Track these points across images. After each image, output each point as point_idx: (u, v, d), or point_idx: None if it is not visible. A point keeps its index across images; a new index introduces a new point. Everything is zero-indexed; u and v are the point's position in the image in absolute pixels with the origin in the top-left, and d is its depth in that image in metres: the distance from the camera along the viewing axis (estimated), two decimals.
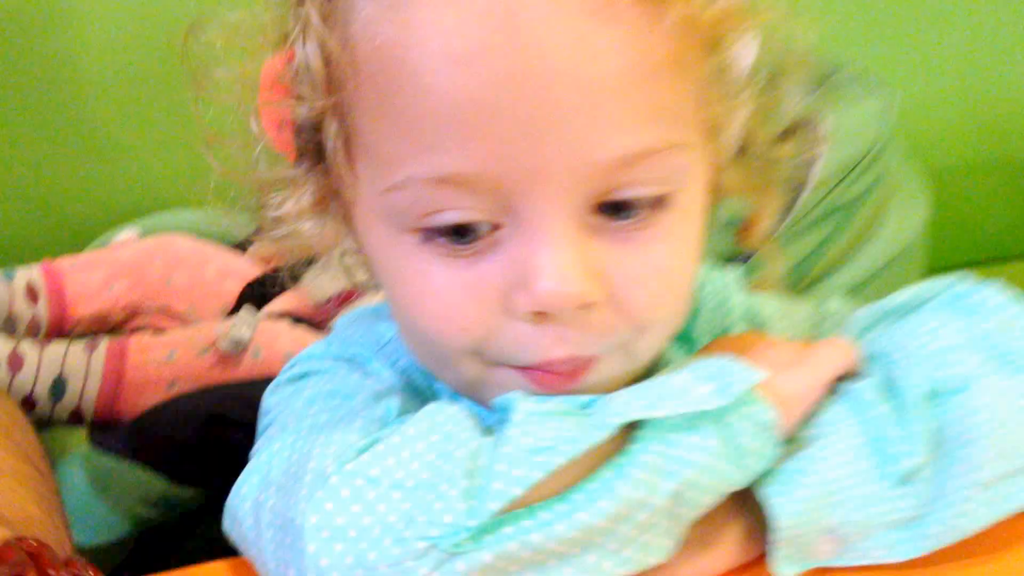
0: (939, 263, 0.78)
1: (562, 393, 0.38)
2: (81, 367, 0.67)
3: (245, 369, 0.69)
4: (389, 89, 0.36)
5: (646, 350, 0.40)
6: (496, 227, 0.36)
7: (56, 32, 0.95)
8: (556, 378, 0.38)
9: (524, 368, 0.38)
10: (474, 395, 0.41)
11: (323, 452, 0.37)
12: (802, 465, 0.40)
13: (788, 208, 0.72)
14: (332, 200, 0.41)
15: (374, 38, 0.36)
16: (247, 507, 0.38)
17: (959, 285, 0.46)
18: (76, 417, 0.68)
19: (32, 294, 0.79)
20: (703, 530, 0.39)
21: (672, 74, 0.36)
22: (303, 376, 0.44)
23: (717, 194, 0.41)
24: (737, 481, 0.38)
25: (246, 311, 0.73)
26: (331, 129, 0.39)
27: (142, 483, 0.62)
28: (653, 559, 0.36)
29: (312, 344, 0.46)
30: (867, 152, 0.73)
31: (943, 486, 0.40)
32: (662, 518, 0.36)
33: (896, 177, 0.82)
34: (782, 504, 0.39)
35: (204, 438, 0.61)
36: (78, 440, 0.70)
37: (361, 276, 0.47)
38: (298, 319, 0.78)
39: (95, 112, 0.97)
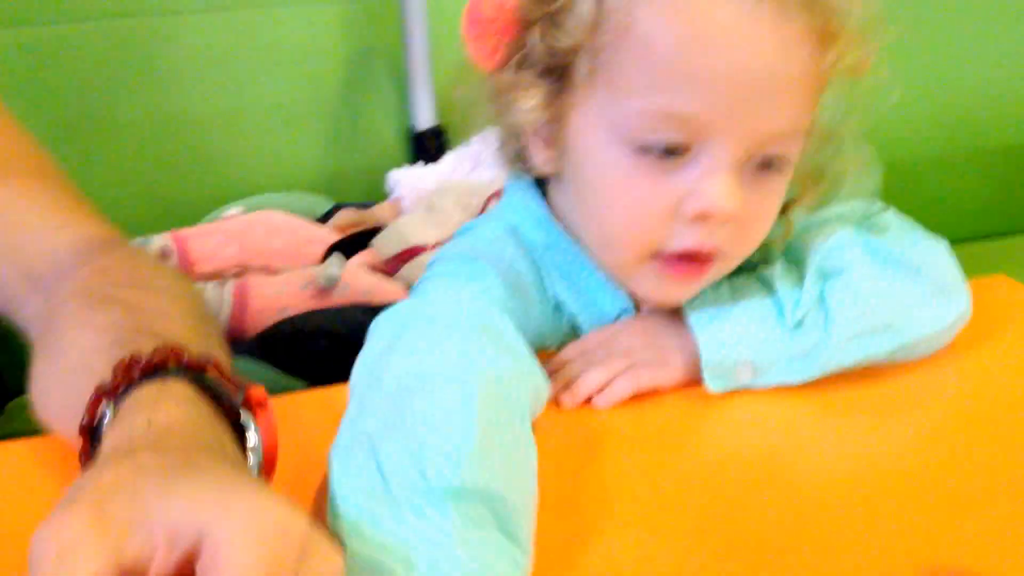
0: None
1: (688, 283, 0.56)
2: (216, 297, 0.87)
3: (335, 299, 0.88)
4: (646, 48, 0.50)
5: (731, 266, 0.58)
6: (685, 151, 0.51)
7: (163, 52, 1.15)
8: (688, 267, 0.54)
9: (669, 257, 0.54)
10: (624, 279, 0.58)
11: None
12: (724, 317, 0.57)
13: None
14: (554, 103, 0.55)
15: (638, 7, 0.50)
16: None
17: (870, 208, 0.63)
18: None
19: (165, 256, 0.96)
20: (660, 355, 0.59)
21: (814, 91, 0.53)
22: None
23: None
24: None
25: (335, 257, 0.93)
26: (583, 57, 0.52)
27: (265, 376, 0.79)
28: None
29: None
30: (823, 129, 0.91)
31: (826, 333, 0.57)
32: None
33: (849, 151, 0.99)
34: (707, 342, 0.57)
35: (311, 344, 0.81)
36: None
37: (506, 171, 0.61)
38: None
39: (203, 117, 1.16)
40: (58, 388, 0.50)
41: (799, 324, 0.57)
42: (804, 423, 0.56)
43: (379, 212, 1.11)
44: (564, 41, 0.52)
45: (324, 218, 1.08)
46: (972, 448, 0.54)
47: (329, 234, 1.03)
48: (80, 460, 0.42)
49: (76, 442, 0.43)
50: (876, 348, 0.58)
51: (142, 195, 1.13)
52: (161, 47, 1.13)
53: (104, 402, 0.42)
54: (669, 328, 0.59)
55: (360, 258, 0.97)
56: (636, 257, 0.55)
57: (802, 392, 0.58)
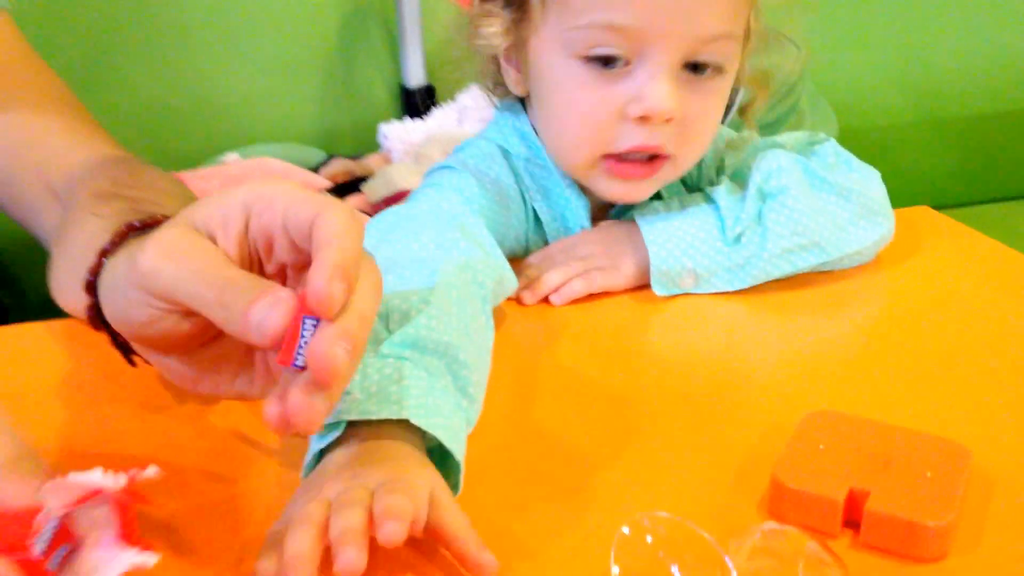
0: None
1: (639, 182, 0.62)
2: None
3: None
4: None
5: (682, 169, 0.64)
6: (627, 63, 0.58)
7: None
8: (639, 167, 0.62)
9: (620, 156, 0.60)
10: (582, 179, 0.64)
11: None
12: (671, 228, 0.64)
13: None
14: (514, 30, 0.63)
15: None
16: None
17: (813, 136, 0.70)
18: None
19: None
20: (613, 261, 0.65)
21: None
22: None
23: (737, 79, 0.65)
24: None
25: None
26: None
27: None
28: None
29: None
30: (777, 88, 0.98)
31: (761, 248, 0.64)
32: None
33: (805, 107, 1.06)
34: (656, 251, 0.64)
35: None
36: None
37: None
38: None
39: (203, 70, 1.22)
40: (68, 270, 0.56)
41: (737, 239, 0.64)
42: (742, 322, 0.63)
43: (370, 163, 1.17)
44: None
45: (317, 168, 1.15)
46: (891, 342, 0.60)
47: (322, 181, 1.09)
48: (87, 319, 0.48)
49: (83, 303, 0.48)
50: (804, 263, 0.65)
51: (143, 142, 1.15)
52: (164, 3, 1.18)
53: (103, 261, 0.48)
54: (623, 238, 0.65)
55: (351, 201, 1.04)
56: (589, 158, 0.62)
57: (739, 295, 0.65)
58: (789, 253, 0.64)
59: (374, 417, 0.42)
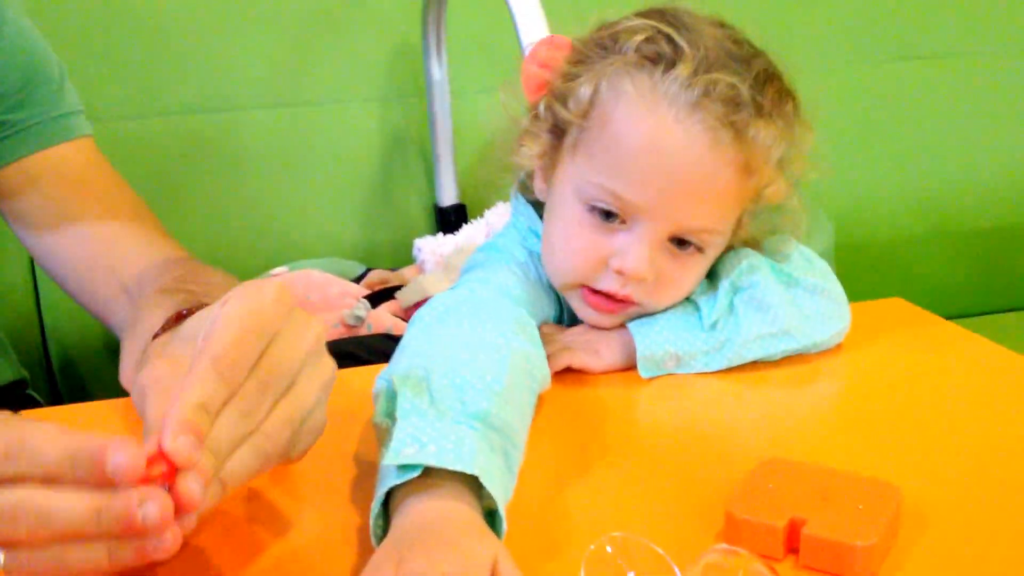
0: None
1: (606, 315, 0.70)
2: None
3: (361, 332, 1.04)
4: (614, 140, 0.65)
5: (647, 312, 0.71)
6: (623, 222, 0.66)
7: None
8: (608, 303, 0.69)
9: (595, 291, 0.69)
10: (562, 292, 0.72)
11: None
12: (655, 320, 0.72)
13: None
14: (549, 154, 0.70)
15: (616, 111, 0.65)
16: None
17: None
18: None
19: None
20: (598, 346, 0.72)
21: (737, 205, 0.68)
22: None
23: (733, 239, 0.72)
24: None
25: (362, 302, 1.09)
26: (573, 130, 0.68)
27: None
28: None
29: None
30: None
31: (735, 334, 0.71)
32: None
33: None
34: (642, 339, 0.71)
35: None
36: None
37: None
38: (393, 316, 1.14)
39: (257, 193, 1.36)
40: (131, 354, 0.65)
41: (713, 325, 0.72)
42: (714, 391, 0.70)
43: (405, 273, 1.28)
44: (564, 115, 0.68)
45: (358, 280, 1.26)
46: (847, 406, 0.67)
47: (360, 290, 1.20)
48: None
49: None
50: (775, 349, 0.72)
51: (203, 258, 1.31)
52: (225, 138, 1.33)
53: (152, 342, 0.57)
54: (612, 330, 0.73)
55: (385, 306, 1.14)
56: (571, 284, 0.71)
57: (718, 374, 0.72)
58: (761, 339, 0.71)
59: (450, 468, 0.46)
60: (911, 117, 1.54)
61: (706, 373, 0.72)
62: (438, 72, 1.35)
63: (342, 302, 1.16)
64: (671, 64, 0.64)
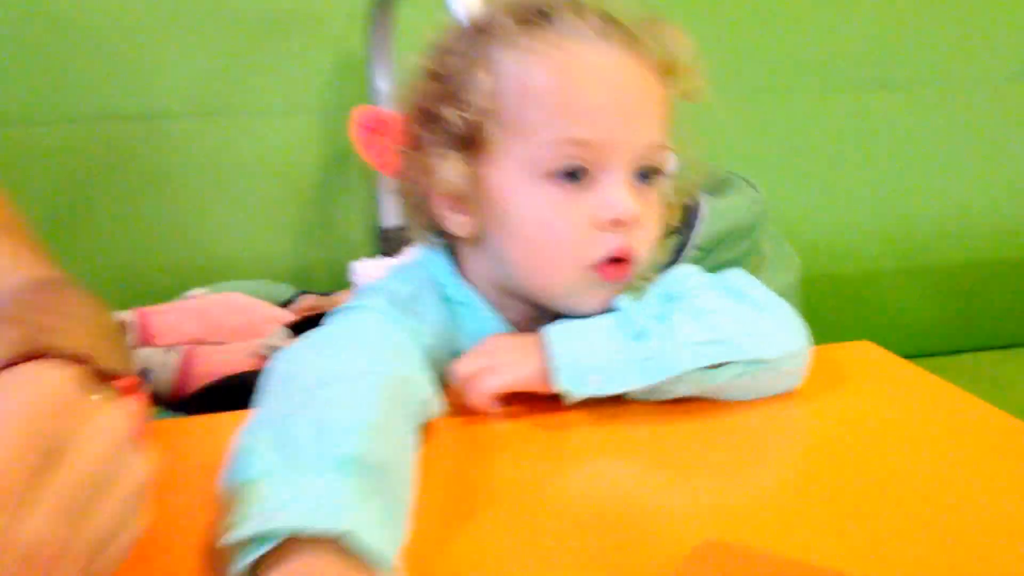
0: None
1: (618, 284, 0.63)
2: (160, 362, 0.93)
3: None
4: (539, 95, 0.61)
5: (639, 268, 0.65)
6: (589, 176, 0.62)
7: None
8: (618, 268, 0.63)
9: (598, 264, 0.62)
10: (564, 301, 0.65)
11: None
12: (575, 332, 0.63)
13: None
14: (470, 168, 0.63)
15: (532, 69, 0.62)
16: None
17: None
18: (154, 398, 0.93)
19: (124, 328, 1.02)
20: (517, 356, 0.63)
21: (664, 115, 0.65)
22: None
23: None
24: None
25: (280, 330, 0.99)
26: (491, 120, 0.62)
27: None
28: None
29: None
30: (736, 227, 0.98)
31: (665, 340, 0.62)
32: None
33: (766, 249, 1.06)
34: (558, 345, 0.62)
35: (244, 397, 0.86)
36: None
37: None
38: None
39: (181, 210, 1.27)
40: None
41: (639, 334, 0.63)
42: (669, 451, 0.60)
43: (338, 299, 1.18)
44: (473, 111, 0.62)
45: (286, 304, 1.16)
46: (802, 473, 0.58)
47: (286, 316, 1.10)
48: None
49: None
50: (712, 358, 0.62)
51: (116, 277, 1.21)
52: (146, 147, 1.23)
53: None
54: (528, 339, 0.64)
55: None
56: (572, 273, 0.63)
57: (664, 422, 0.63)
58: (698, 346, 0.62)
59: (318, 529, 0.40)
60: (882, 147, 1.50)
61: (652, 421, 0.62)
62: (384, 84, 1.27)
63: (266, 328, 1.07)
64: (556, 16, 0.63)
